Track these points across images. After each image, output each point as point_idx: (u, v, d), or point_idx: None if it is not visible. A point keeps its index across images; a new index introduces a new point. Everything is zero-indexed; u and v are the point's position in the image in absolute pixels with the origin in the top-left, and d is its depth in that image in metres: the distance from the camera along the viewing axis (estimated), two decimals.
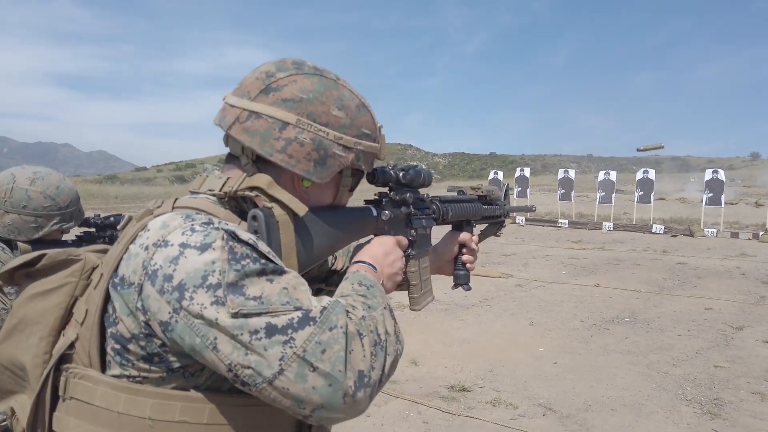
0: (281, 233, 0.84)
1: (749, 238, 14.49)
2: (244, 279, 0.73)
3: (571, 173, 17.86)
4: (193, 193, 0.91)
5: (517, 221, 18.00)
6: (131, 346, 0.77)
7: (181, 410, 0.77)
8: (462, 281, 1.32)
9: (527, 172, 18.63)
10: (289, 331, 0.72)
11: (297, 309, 0.73)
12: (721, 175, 15.33)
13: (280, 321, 0.72)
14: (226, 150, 0.95)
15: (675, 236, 15.12)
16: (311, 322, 0.73)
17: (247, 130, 0.87)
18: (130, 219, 0.90)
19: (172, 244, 0.75)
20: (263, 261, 0.76)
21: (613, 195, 17.06)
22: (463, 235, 1.31)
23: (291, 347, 0.71)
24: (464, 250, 1.32)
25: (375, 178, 1.05)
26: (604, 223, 16.55)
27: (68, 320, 0.85)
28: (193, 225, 0.77)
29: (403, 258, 1.08)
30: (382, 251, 1.01)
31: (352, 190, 1.01)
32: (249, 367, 0.71)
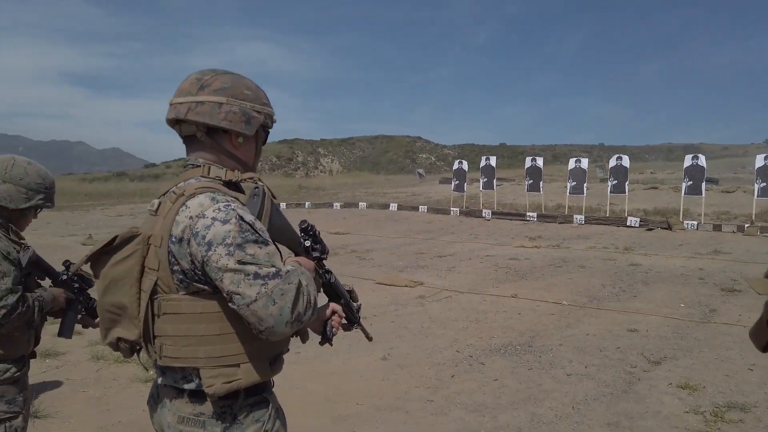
0: (265, 201, 1.41)
1: (734, 231, 12.74)
2: (245, 244, 1.26)
3: (539, 162, 16.12)
4: (203, 177, 1.41)
5: (483, 215, 16.37)
6: (188, 276, 1.32)
7: (224, 306, 1.30)
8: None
9: (493, 161, 16.91)
10: (266, 278, 1.24)
11: (272, 266, 1.27)
12: (702, 161, 13.51)
13: (262, 271, 1.25)
14: None
15: (651, 230, 13.38)
16: (279, 277, 1.26)
17: (198, 113, 1.40)
18: (160, 203, 1.41)
19: (206, 217, 1.28)
20: (257, 235, 1.29)
21: (585, 185, 15.32)
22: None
23: (264, 288, 1.24)
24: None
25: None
26: (575, 216, 14.86)
27: (143, 271, 1.36)
28: (218, 206, 1.30)
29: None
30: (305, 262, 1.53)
31: (263, 144, 1.57)
32: (238, 294, 1.23)
